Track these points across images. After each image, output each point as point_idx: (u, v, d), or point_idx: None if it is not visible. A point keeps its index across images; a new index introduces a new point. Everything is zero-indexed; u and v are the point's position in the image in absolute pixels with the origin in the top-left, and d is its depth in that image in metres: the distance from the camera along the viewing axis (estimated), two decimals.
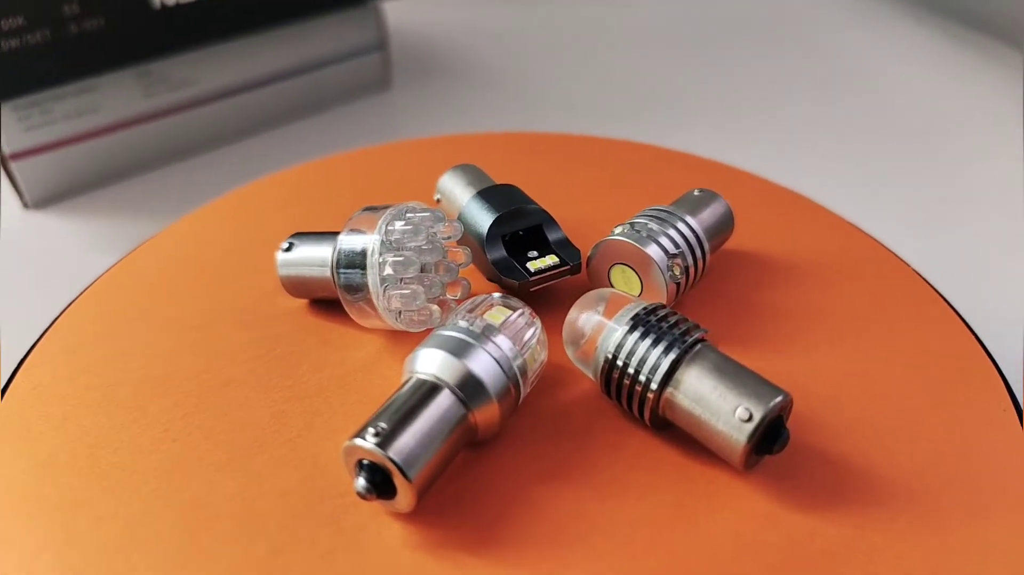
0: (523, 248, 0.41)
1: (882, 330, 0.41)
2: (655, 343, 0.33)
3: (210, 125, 0.76)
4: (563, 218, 0.42)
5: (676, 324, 0.33)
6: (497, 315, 0.34)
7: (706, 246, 0.40)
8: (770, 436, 0.31)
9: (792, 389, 0.32)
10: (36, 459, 0.34)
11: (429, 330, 0.37)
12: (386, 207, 0.38)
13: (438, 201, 0.45)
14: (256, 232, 0.48)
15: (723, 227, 0.42)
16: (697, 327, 0.34)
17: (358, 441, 0.30)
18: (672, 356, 0.32)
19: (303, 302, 0.42)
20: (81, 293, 0.43)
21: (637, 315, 0.34)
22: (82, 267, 0.64)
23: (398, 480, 0.30)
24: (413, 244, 0.37)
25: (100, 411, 0.36)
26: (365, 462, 0.30)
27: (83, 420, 0.36)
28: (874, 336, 0.40)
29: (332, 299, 0.40)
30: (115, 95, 0.70)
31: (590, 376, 0.35)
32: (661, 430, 0.34)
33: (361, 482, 0.30)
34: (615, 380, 0.34)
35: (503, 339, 0.33)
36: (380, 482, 0.30)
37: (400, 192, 0.52)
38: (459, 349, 0.32)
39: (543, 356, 0.35)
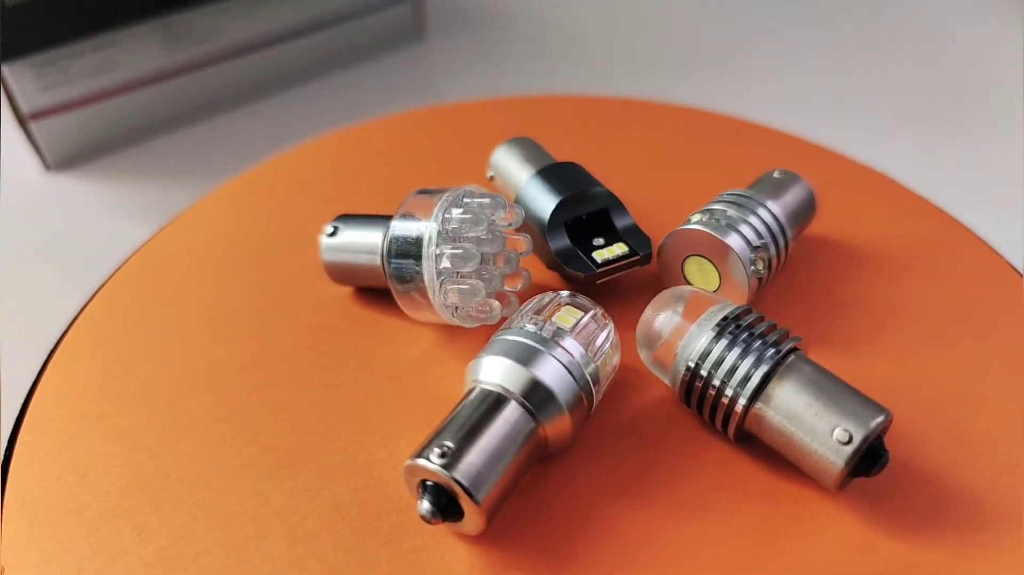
0: (587, 235, 0.38)
1: (977, 328, 0.37)
2: (744, 353, 0.30)
3: (236, 81, 0.73)
4: (628, 199, 0.39)
5: (766, 332, 0.30)
6: (567, 317, 0.31)
7: (788, 234, 0.37)
8: (868, 459, 0.28)
9: (880, 397, 0.29)
10: (73, 464, 0.32)
11: (487, 327, 0.35)
12: (442, 191, 0.35)
13: (491, 178, 0.42)
14: (295, 207, 0.45)
15: (805, 213, 0.39)
16: (788, 335, 0.31)
17: (422, 462, 0.27)
18: (764, 369, 0.29)
19: (348, 289, 0.39)
20: (111, 276, 0.41)
21: (724, 320, 0.31)
22: (111, 235, 0.61)
23: (465, 503, 0.27)
24: (472, 234, 0.34)
25: (137, 410, 0.34)
26: (429, 483, 0.27)
27: (120, 420, 0.34)
28: (968, 335, 0.37)
29: (380, 288, 0.37)
30: (135, 50, 0.66)
31: (665, 382, 0.33)
32: (743, 443, 0.32)
33: (426, 506, 0.27)
34: (697, 390, 0.31)
35: (573, 344, 0.30)
36: (446, 505, 0.27)
37: (447, 163, 0.48)
38: (526, 356, 0.30)
39: (616, 360, 0.32)
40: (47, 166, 0.67)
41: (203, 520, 0.30)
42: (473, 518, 0.27)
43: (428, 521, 0.27)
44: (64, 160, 0.67)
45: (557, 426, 0.30)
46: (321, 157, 0.50)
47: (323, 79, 0.79)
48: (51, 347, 0.37)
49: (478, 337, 0.36)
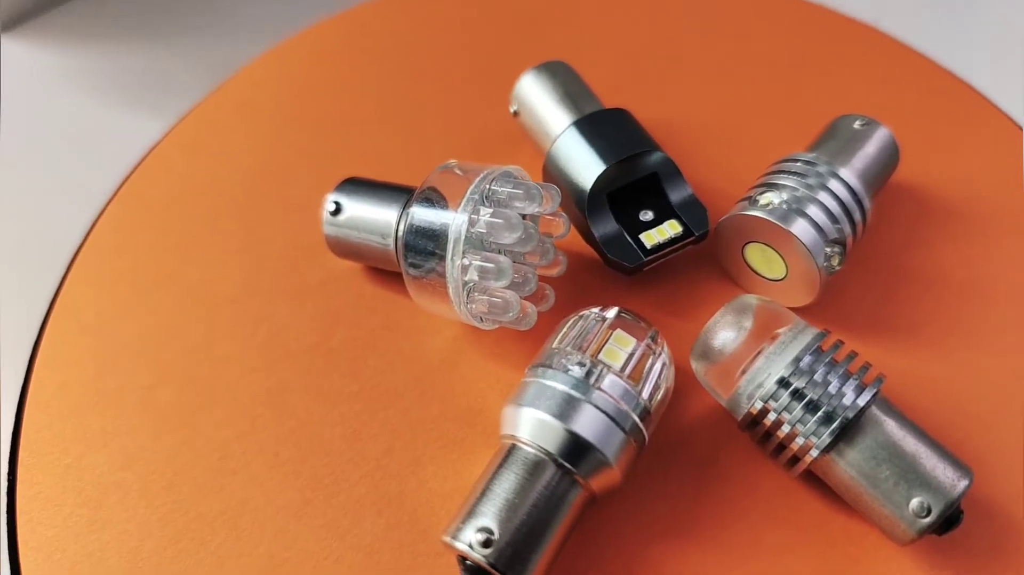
0: (632, 203, 0.32)
1: None
2: (820, 400, 0.26)
3: None
4: (683, 125, 0.32)
5: (847, 372, 0.27)
6: (616, 351, 0.27)
7: (867, 205, 0.31)
8: (943, 523, 0.26)
9: (947, 407, 0.26)
10: (84, 495, 0.30)
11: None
12: (472, 171, 0.29)
13: (515, 113, 0.35)
14: (291, 137, 0.38)
15: (885, 170, 0.33)
16: (870, 373, 0.27)
17: (460, 546, 0.25)
18: (838, 424, 0.26)
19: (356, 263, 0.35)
20: (76, 253, 0.35)
21: (798, 359, 0.27)
22: (73, 111, 0.54)
23: None
24: (504, 242, 0.29)
25: (143, 427, 0.31)
26: (469, 563, 0.26)
27: (126, 439, 0.31)
28: None
29: (391, 271, 0.32)
30: None
31: (720, 402, 0.29)
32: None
33: None
34: (763, 428, 0.28)
35: (618, 384, 0.27)
36: None
37: (467, 72, 0.40)
38: (563, 408, 0.26)
39: (671, 380, 0.29)
40: None
41: (231, 568, 0.28)
42: None
43: None
44: (15, 17, 0.57)
45: (605, 479, 0.27)
46: (313, 56, 0.42)
47: None
48: (29, 356, 0.33)
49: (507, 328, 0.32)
